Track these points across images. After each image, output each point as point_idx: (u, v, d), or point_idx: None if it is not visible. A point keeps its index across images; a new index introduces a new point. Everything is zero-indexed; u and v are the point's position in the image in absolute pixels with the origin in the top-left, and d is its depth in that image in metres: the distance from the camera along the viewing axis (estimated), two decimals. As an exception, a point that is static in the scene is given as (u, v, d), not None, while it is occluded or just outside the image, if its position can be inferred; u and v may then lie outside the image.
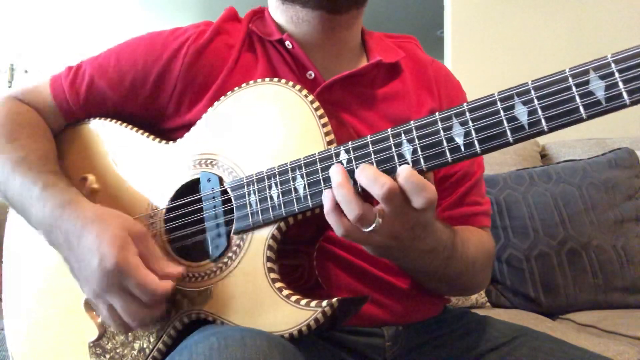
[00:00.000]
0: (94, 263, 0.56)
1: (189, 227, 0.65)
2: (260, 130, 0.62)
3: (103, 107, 0.78)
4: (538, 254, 1.35)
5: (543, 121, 0.44)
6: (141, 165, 0.72)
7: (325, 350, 0.66)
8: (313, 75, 0.74)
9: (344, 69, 0.75)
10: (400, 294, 0.72)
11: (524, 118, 0.45)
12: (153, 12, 4.86)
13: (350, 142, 0.54)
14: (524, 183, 1.44)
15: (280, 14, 0.80)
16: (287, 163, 0.57)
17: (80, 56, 0.84)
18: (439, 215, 0.59)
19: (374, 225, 0.51)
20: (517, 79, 0.47)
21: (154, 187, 0.69)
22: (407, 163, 0.50)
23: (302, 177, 0.56)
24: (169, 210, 0.67)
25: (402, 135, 0.51)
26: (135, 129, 0.75)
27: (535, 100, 0.44)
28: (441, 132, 0.49)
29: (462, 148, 0.48)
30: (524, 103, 0.45)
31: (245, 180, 0.60)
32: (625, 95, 0.40)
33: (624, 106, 0.41)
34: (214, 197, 0.63)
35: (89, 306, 0.69)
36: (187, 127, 0.70)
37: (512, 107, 0.45)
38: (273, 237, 0.58)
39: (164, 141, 0.72)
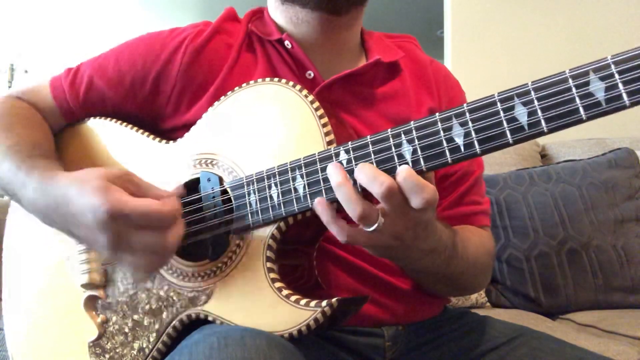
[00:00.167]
0: (90, 221, 0.54)
1: (188, 226, 0.65)
2: (260, 130, 0.62)
3: (103, 107, 0.78)
4: (538, 254, 1.35)
5: (543, 122, 0.44)
6: (141, 164, 0.72)
7: (325, 350, 0.66)
8: (312, 75, 0.74)
9: (344, 68, 0.75)
10: (400, 294, 0.72)
11: (523, 119, 0.45)
12: (153, 12, 4.86)
13: (350, 142, 0.54)
14: (524, 183, 1.44)
15: (279, 14, 0.80)
16: (286, 163, 0.57)
17: (80, 56, 0.84)
18: (438, 215, 0.59)
19: (377, 224, 0.51)
20: (517, 79, 0.47)
21: (153, 187, 0.69)
22: (407, 163, 0.50)
23: (301, 177, 0.56)
24: (168, 210, 0.67)
25: (402, 135, 0.51)
26: (135, 128, 0.75)
27: (535, 101, 0.44)
28: (441, 132, 0.49)
29: (462, 148, 0.48)
30: (524, 104, 0.45)
31: (245, 180, 0.60)
32: (625, 96, 0.40)
33: (624, 107, 0.41)
34: (213, 197, 0.63)
35: (88, 306, 0.69)
36: (187, 127, 0.70)
37: (512, 108, 0.46)
38: (273, 237, 0.58)
39: (164, 141, 0.72)
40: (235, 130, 0.64)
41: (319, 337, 0.67)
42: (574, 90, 0.43)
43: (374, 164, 0.52)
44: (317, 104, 0.58)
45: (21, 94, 0.80)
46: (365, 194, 0.51)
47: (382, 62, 0.77)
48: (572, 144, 1.76)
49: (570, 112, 0.43)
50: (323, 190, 0.54)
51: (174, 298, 0.63)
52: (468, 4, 2.35)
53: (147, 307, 0.65)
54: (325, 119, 0.57)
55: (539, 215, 1.38)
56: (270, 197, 0.58)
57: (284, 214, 0.57)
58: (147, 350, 0.64)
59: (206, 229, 0.63)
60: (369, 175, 0.50)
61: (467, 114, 0.48)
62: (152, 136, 0.74)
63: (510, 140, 0.46)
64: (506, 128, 0.46)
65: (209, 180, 0.64)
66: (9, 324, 0.77)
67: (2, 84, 4.56)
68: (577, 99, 0.42)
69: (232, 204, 0.61)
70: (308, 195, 0.55)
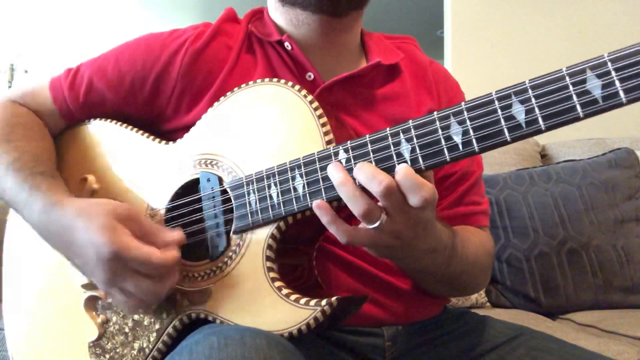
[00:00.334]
0: (92, 256, 0.56)
1: (188, 226, 0.65)
2: (260, 130, 0.62)
3: (102, 108, 0.78)
4: (538, 254, 1.35)
5: (540, 120, 0.44)
6: (141, 165, 0.72)
7: (324, 350, 0.66)
8: (312, 76, 0.74)
9: (344, 70, 0.75)
10: (400, 294, 0.72)
11: (521, 117, 0.45)
12: (153, 12, 4.86)
13: (349, 142, 0.54)
14: (524, 183, 1.44)
15: (279, 15, 0.80)
16: (286, 163, 0.57)
17: (80, 56, 0.84)
18: (438, 215, 0.59)
19: (379, 221, 0.51)
20: (517, 79, 0.47)
21: (153, 188, 0.70)
22: (406, 162, 0.50)
23: (301, 176, 0.56)
24: (168, 210, 0.67)
25: (401, 134, 0.51)
26: (135, 129, 0.75)
27: (533, 99, 0.44)
28: (439, 131, 0.49)
29: (460, 147, 0.48)
30: (521, 102, 0.45)
31: (244, 180, 0.60)
32: (621, 93, 0.40)
33: (621, 105, 0.41)
34: (213, 197, 0.63)
35: (89, 306, 0.69)
36: (187, 128, 0.70)
37: (509, 106, 0.46)
38: (272, 236, 0.58)
39: (163, 142, 0.72)
40: (234, 130, 0.64)
41: (319, 336, 0.67)
42: (570, 88, 0.43)
43: (373, 162, 0.52)
44: (316, 104, 0.59)
45: (20, 96, 0.80)
46: (364, 193, 0.51)
47: (382, 64, 0.77)
48: (572, 144, 1.76)
49: (567, 110, 0.43)
50: (322, 190, 0.55)
51: (174, 298, 0.63)
52: (468, 4, 2.35)
53: (147, 306, 0.65)
54: (325, 119, 0.58)
55: (539, 215, 1.38)
56: (270, 196, 0.58)
57: (283, 213, 0.57)
58: (147, 350, 0.64)
59: (206, 229, 0.63)
60: (367, 174, 0.50)
61: (465, 113, 0.48)
62: (151, 137, 0.74)
63: (508, 138, 0.46)
64: (504, 126, 0.46)
65: (208, 180, 0.64)
66: (9, 324, 0.78)
67: (2, 84, 4.56)
68: (574, 97, 0.43)
69: (231, 204, 0.61)
70: (307, 195, 0.55)
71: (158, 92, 0.75)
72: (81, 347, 0.68)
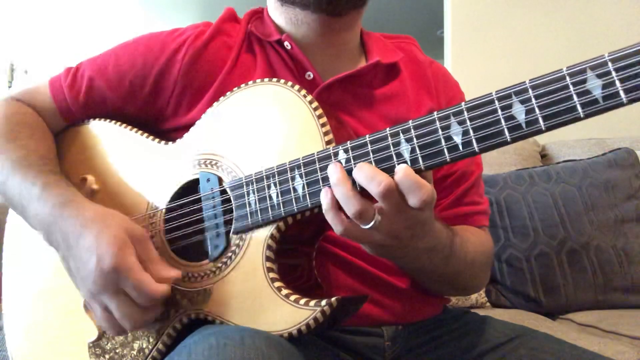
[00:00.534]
0: (92, 263, 0.56)
1: (188, 227, 0.65)
2: (260, 130, 0.62)
3: (102, 108, 0.78)
4: (538, 254, 1.35)
5: (540, 120, 0.44)
6: (141, 165, 0.72)
7: (324, 350, 0.66)
8: (312, 76, 0.74)
9: (343, 69, 0.75)
10: (400, 294, 0.72)
11: (521, 117, 0.45)
12: (153, 12, 4.86)
13: (348, 142, 0.54)
14: (524, 183, 1.44)
15: (279, 14, 0.80)
16: (285, 163, 0.57)
17: (80, 56, 0.84)
18: (437, 215, 0.59)
19: (373, 222, 0.51)
20: (517, 79, 0.46)
21: (153, 188, 0.70)
22: (406, 162, 0.50)
23: (300, 176, 0.56)
24: (168, 210, 0.67)
25: (400, 134, 0.51)
26: (135, 129, 0.75)
27: (533, 99, 0.44)
28: (439, 131, 0.49)
29: (460, 147, 0.48)
30: (522, 102, 0.45)
31: (244, 180, 0.60)
32: (622, 93, 0.40)
33: (621, 105, 0.41)
34: (213, 197, 0.63)
35: (88, 306, 0.69)
36: (186, 128, 0.70)
37: (509, 106, 0.46)
38: (272, 236, 0.58)
39: (163, 141, 0.72)
40: (234, 130, 0.64)
41: (318, 336, 0.67)
42: (571, 88, 0.43)
43: (373, 163, 0.52)
44: (315, 104, 0.59)
45: (21, 96, 0.80)
46: (364, 193, 0.51)
47: (381, 63, 0.77)
48: (572, 144, 1.76)
49: (567, 110, 0.43)
50: (322, 189, 0.54)
51: (174, 298, 0.63)
52: (468, 4, 2.35)
53: (147, 307, 0.65)
54: (324, 119, 0.57)
55: (539, 215, 1.38)
56: (270, 197, 0.58)
57: (283, 213, 0.57)
58: (146, 351, 0.64)
59: (206, 229, 0.63)
60: (367, 174, 0.50)
61: (465, 113, 0.48)
62: (151, 137, 0.74)
63: (509, 139, 0.46)
64: (504, 126, 0.46)
65: (208, 180, 0.64)
66: (9, 324, 0.77)
67: (2, 84, 4.56)
68: (575, 97, 0.42)
69: (231, 204, 0.61)
70: (307, 195, 0.55)
71: (158, 91, 0.75)
72: (81, 347, 0.68)
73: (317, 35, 0.77)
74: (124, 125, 0.76)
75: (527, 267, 1.35)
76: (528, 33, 2.29)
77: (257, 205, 0.59)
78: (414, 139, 0.50)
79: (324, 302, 0.53)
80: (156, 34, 0.79)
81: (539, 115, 0.44)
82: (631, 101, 0.40)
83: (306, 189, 0.55)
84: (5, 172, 0.69)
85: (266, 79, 0.63)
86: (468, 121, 0.47)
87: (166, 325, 0.63)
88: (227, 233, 0.61)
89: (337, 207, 0.52)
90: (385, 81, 0.79)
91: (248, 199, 0.60)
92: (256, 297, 0.57)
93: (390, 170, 0.50)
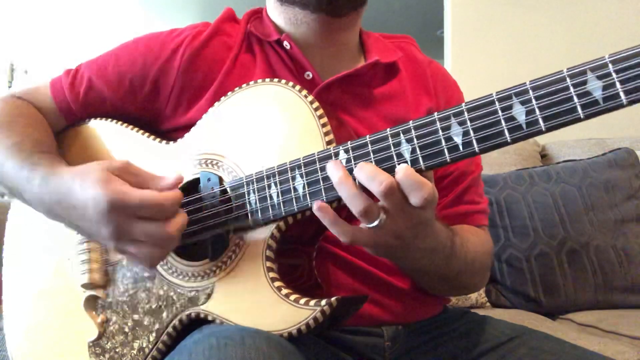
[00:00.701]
0: (91, 212, 0.55)
1: (188, 226, 0.65)
2: (260, 130, 0.62)
3: (102, 107, 0.78)
4: (538, 254, 1.35)
5: (541, 121, 0.44)
6: (141, 165, 0.72)
7: (324, 350, 0.66)
8: (311, 75, 0.74)
9: (342, 69, 0.75)
10: (400, 294, 0.72)
11: (521, 118, 0.45)
12: (153, 12, 4.86)
13: (349, 142, 0.54)
14: (524, 183, 1.44)
15: (278, 14, 0.80)
16: (286, 163, 0.57)
17: (80, 56, 0.84)
18: (437, 214, 0.59)
19: (378, 220, 0.51)
20: (517, 79, 0.47)
21: (153, 187, 0.69)
22: (406, 162, 0.50)
23: (301, 176, 0.56)
24: (168, 210, 0.67)
25: (401, 135, 0.51)
26: (136, 129, 0.75)
27: (533, 100, 0.44)
28: (439, 131, 0.49)
29: (461, 147, 0.48)
30: (522, 103, 0.45)
31: (244, 180, 0.60)
32: (622, 95, 0.41)
33: (621, 106, 0.41)
34: (213, 197, 0.63)
35: (88, 306, 0.69)
36: (186, 127, 0.70)
37: (510, 107, 0.46)
38: (272, 236, 0.58)
39: (164, 141, 0.72)
40: (235, 130, 0.64)
41: (319, 336, 0.67)
42: (571, 89, 0.43)
43: (373, 163, 0.52)
44: (316, 104, 0.59)
45: (21, 94, 0.80)
46: (364, 193, 0.51)
47: (380, 63, 0.77)
48: (572, 144, 1.76)
49: (567, 111, 0.43)
50: (322, 190, 0.55)
51: (174, 298, 0.63)
52: (468, 4, 2.35)
53: (147, 306, 0.65)
54: (325, 119, 0.58)
55: (539, 215, 1.38)
56: (270, 196, 0.58)
57: (283, 213, 0.57)
58: (147, 350, 0.64)
59: (206, 229, 0.63)
60: (368, 173, 0.50)
61: (466, 113, 0.48)
62: (152, 136, 0.74)
63: (509, 139, 0.46)
64: (504, 127, 0.46)
65: (208, 180, 0.64)
66: (9, 324, 0.78)
67: (2, 84, 4.56)
68: (575, 98, 0.43)
69: (232, 204, 0.61)
70: (307, 195, 0.55)
71: (157, 90, 0.76)
72: (81, 347, 0.68)
73: (316, 35, 0.77)
74: (124, 124, 0.76)
75: (527, 267, 1.35)
76: (528, 33, 2.29)
77: (258, 204, 0.59)
78: (415, 139, 0.50)
79: (324, 302, 0.53)
80: (155, 34, 0.79)
81: (539, 116, 0.44)
82: (631, 102, 0.40)
83: (307, 189, 0.56)
84: (1, 158, 0.68)
85: (267, 79, 0.63)
86: (468, 122, 0.47)
87: (166, 325, 0.63)
88: (228, 233, 0.61)
89: (339, 218, 0.53)
90: (384, 81, 0.79)
91: (248, 198, 0.60)
92: (256, 296, 0.57)
93: (391, 171, 0.50)
